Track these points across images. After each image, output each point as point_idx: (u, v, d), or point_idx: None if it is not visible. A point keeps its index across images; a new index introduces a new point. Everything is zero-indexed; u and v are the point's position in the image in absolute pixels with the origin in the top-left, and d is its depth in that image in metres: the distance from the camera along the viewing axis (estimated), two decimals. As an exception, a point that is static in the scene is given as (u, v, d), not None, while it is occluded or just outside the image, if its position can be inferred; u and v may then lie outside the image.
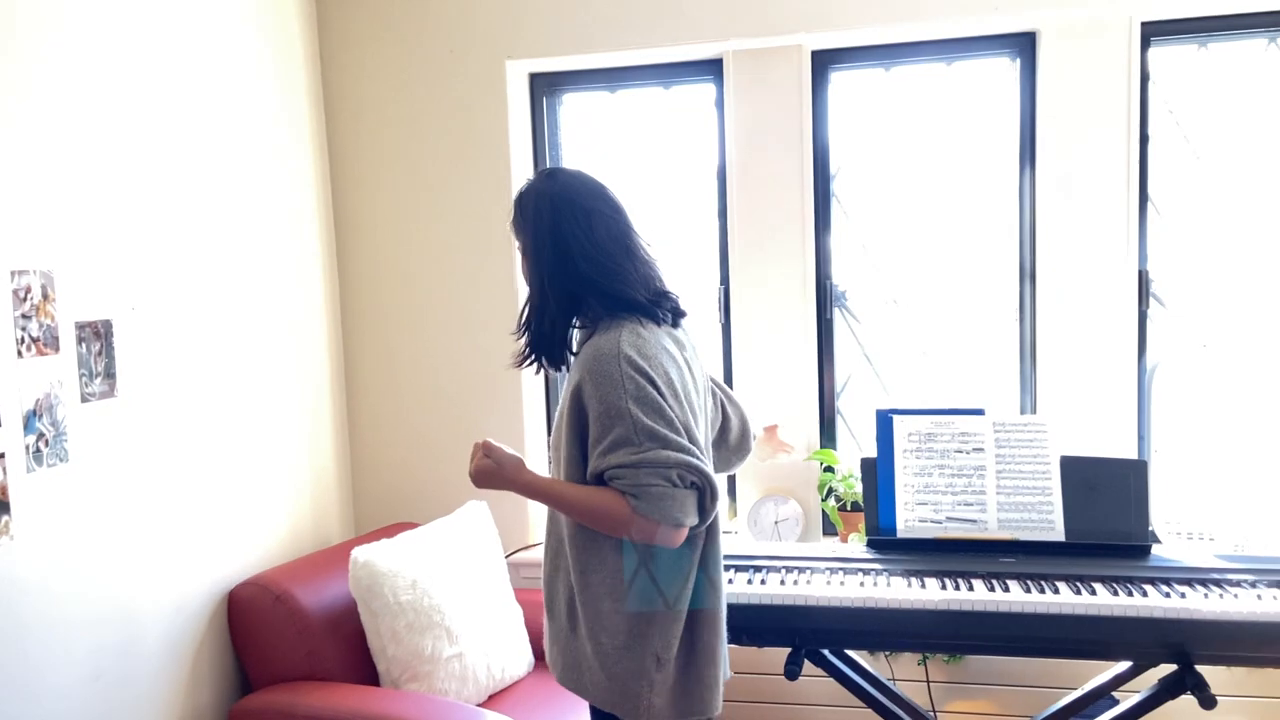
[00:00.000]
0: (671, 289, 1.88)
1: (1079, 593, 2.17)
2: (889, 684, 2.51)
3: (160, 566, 2.40)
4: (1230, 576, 2.23)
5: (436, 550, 2.62)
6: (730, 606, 2.18)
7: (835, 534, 3.01)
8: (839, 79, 3.07)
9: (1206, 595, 2.15)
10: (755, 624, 2.27)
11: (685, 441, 1.67)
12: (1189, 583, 2.21)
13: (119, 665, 2.27)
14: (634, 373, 1.67)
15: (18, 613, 2.01)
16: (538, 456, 3.18)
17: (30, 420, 2.05)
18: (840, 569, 2.38)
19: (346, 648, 2.54)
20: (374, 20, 3.13)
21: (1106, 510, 2.37)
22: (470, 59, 3.09)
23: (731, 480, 3.07)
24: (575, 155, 3.29)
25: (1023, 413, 3.00)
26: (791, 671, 2.31)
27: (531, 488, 1.78)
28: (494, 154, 3.10)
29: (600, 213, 1.80)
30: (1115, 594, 2.16)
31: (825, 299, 3.10)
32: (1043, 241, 2.89)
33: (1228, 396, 2.90)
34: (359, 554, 2.49)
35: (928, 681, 2.82)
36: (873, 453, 2.55)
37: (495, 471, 1.79)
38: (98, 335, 2.22)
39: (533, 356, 1.86)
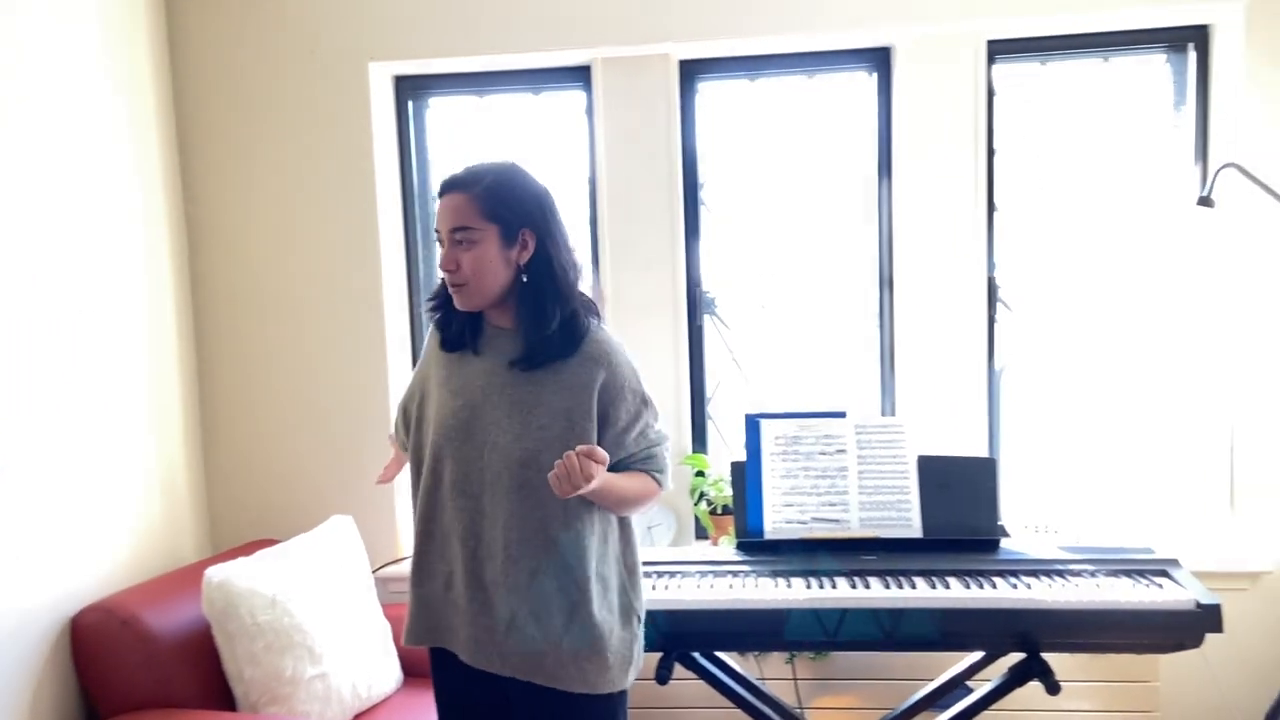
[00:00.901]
0: None
1: (934, 587, 2.26)
2: (758, 684, 2.55)
3: (-9, 594, 2.23)
4: (1072, 567, 2.36)
5: (298, 567, 2.53)
6: (600, 613, 2.19)
7: (707, 538, 3.05)
8: (706, 88, 3.12)
9: (1050, 585, 2.26)
10: (626, 630, 2.27)
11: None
12: (1034, 574, 2.33)
13: (-57, 703, 2.11)
14: (636, 366, 1.87)
15: None
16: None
17: None
18: (711, 572, 2.41)
19: (201, 672, 2.42)
20: (230, 19, 3.01)
21: (960, 507, 2.47)
22: (332, 60, 3.01)
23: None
24: (444, 161, 3.24)
25: (883, 414, 3.11)
26: (662, 676, 2.33)
27: (605, 486, 1.75)
28: (357, 156, 3.02)
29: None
30: (967, 587, 2.25)
31: (695, 305, 3.14)
32: (900, 249, 3.00)
33: (1069, 396, 3.08)
34: (213, 574, 2.39)
35: (795, 679, 2.89)
36: (742, 457, 2.60)
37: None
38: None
39: (554, 351, 1.80)
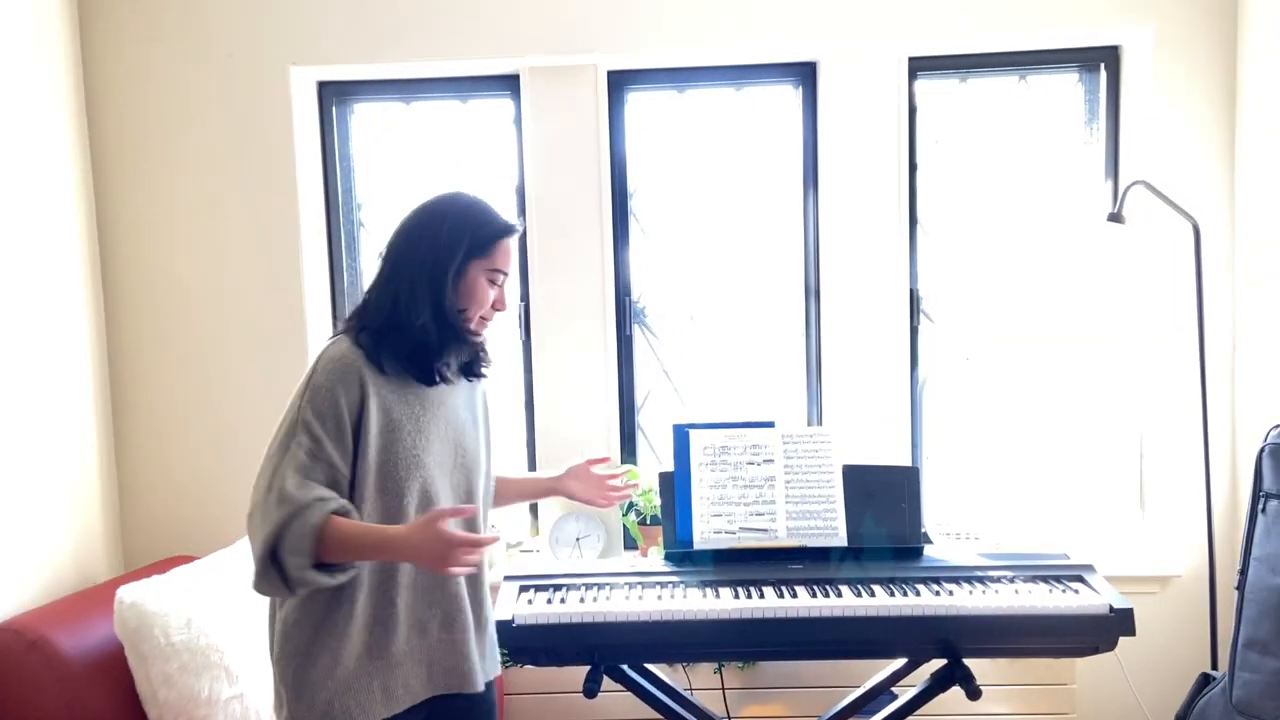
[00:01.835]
0: None
1: (859, 595, 2.28)
2: (686, 694, 2.55)
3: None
4: (992, 573, 2.40)
5: (215, 585, 2.46)
6: (530, 627, 2.19)
7: (636, 548, 3.04)
8: (635, 99, 3.13)
9: (971, 592, 2.30)
10: (554, 643, 2.25)
11: None
12: (956, 580, 2.37)
13: None
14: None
15: None
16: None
17: None
18: (639, 583, 2.40)
19: (114, 695, 2.34)
20: (146, 19, 2.93)
21: (884, 515, 2.51)
22: (252, 64, 2.94)
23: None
24: (369, 167, 3.19)
25: (810, 424, 3.15)
26: (590, 689, 2.30)
27: None
28: (279, 162, 2.96)
29: None
30: (891, 595, 2.28)
31: (625, 315, 3.14)
32: (825, 261, 3.04)
33: (987, 405, 3.15)
34: (125, 593, 2.31)
35: (723, 689, 2.89)
36: (671, 467, 2.60)
37: None
38: None
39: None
